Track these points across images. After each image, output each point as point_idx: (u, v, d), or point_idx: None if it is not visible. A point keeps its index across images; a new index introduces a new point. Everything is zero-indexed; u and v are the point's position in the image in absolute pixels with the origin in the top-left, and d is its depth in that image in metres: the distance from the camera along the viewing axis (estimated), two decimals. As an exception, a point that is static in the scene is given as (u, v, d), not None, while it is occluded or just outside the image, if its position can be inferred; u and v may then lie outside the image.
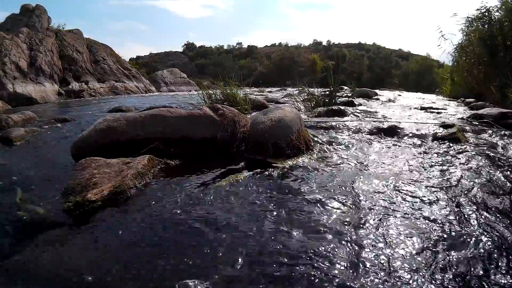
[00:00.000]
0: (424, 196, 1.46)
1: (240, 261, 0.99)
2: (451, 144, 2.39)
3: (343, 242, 1.09)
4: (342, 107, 4.07)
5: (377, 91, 8.90)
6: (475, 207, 1.35)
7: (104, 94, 12.84)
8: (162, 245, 1.09)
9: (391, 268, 0.96)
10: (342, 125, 2.99)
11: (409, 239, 1.12)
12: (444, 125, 2.85)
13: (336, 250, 1.05)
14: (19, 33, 11.14)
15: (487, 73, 6.37)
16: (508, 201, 1.43)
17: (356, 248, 1.06)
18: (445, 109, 4.93)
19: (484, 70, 6.52)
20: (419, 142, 2.49)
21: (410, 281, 0.91)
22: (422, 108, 4.98)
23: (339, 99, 4.99)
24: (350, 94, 6.23)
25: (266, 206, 1.34)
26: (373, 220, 1.24)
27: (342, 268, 0.97)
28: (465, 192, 1.51)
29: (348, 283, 0.90)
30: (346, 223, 1.21)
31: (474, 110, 4.35)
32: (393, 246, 1.07)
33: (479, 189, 1.54)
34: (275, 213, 1.29)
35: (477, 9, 6.75)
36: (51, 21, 13.94)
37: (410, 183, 1.61)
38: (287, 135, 2.07)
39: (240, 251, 1.04)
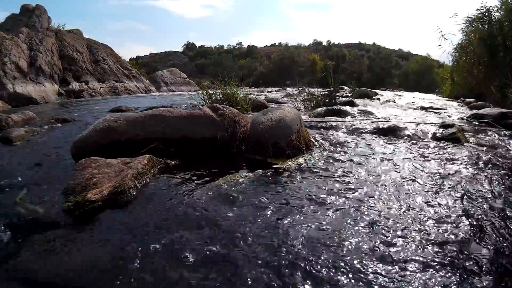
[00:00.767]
0: (424, 196, 1.46)
1: (240, 261, 0.99)
2: (451, 144, 2.39)
3: (343, 243, 1.09)
4: (342, 107, 4.08)
5: (377, 91, 8.90)
6: (475, 207, 1.36)
7: (104, 94, 12.86)
8: (162, 245, 1.09)
9: (393, 263, 0.96)
10: (342, 125, 2.99)
11: (408, 238, 1.12)
12: (444, 125, 2.84)
13: (336, 250, 1.05)
14: (19, 33, 11.16)
15: (487, 73, 6.38)
16: (508, 201, 1.43)
17: (356, 247, 1.06)
18: (445, 109, 4.93)
19: (484, 70, 6.52)
20: (419, 142, 2.49)
21: (410, 273, 0.92)
22: (422, 108, 4.98)
23: (339, 99, 4.99)
24: (350, 94, 6.24)
25: (266, 206, 1.34)
26: (373, 220, 1.24)
27: (342, 268, 0.97)
28: (465, 192, 1.51)
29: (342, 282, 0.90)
30: (346, 223, 1.21)
31: (474, 110, 4.34)
32: (393, 245, 1.07)
33: (479, 189, 1.54)
34: (274, 212, 1.29)
35: (477, 9, 6.77)
36: (51, 21, 13.98)
37: (410, 183, 1.61)
38: (287, 135, 2.07)
39: (240, 251, 1.04)
